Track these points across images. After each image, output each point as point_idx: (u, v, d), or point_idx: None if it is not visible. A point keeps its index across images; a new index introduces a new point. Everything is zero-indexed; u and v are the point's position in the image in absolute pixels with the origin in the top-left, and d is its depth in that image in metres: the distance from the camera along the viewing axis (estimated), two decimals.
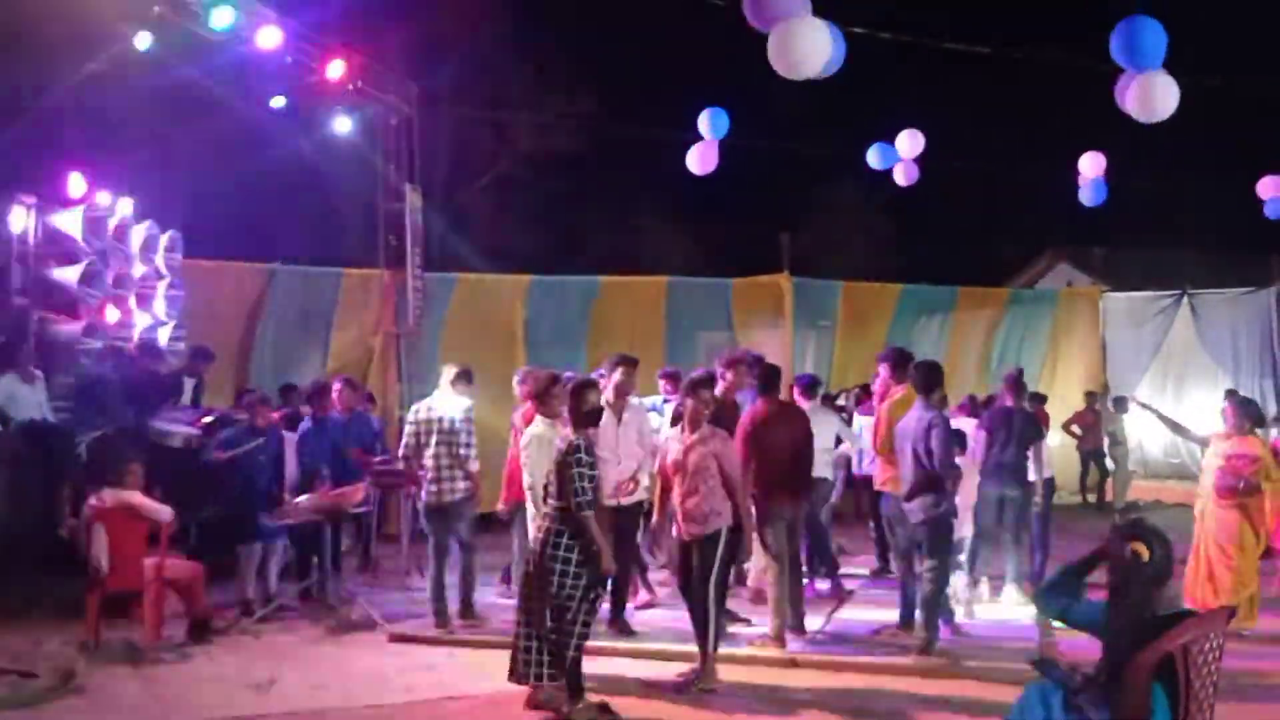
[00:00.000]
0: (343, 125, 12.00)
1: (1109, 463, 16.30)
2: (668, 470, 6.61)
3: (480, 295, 13.99)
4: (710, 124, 10.79)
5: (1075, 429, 16.24)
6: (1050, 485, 9.40)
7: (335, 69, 11.31)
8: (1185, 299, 16.72)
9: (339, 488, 8.31)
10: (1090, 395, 16.36)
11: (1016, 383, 9.33)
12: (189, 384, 10.38)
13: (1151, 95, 8.35)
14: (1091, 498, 16.23)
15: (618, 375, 7.61)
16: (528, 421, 7.63)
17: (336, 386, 9.56)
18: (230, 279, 12.15)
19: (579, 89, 23.73)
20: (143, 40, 9.11)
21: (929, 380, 7.40)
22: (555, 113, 24.28)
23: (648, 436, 7.78)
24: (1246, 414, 8.06)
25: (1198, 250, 20.26)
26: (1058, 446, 16.51)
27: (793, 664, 6.85)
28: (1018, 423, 8.94)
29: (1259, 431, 9.03)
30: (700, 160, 10.72)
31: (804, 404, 8.90)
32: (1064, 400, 16.54)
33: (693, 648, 6.49)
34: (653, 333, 14.34)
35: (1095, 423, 16.11)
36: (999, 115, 23.04)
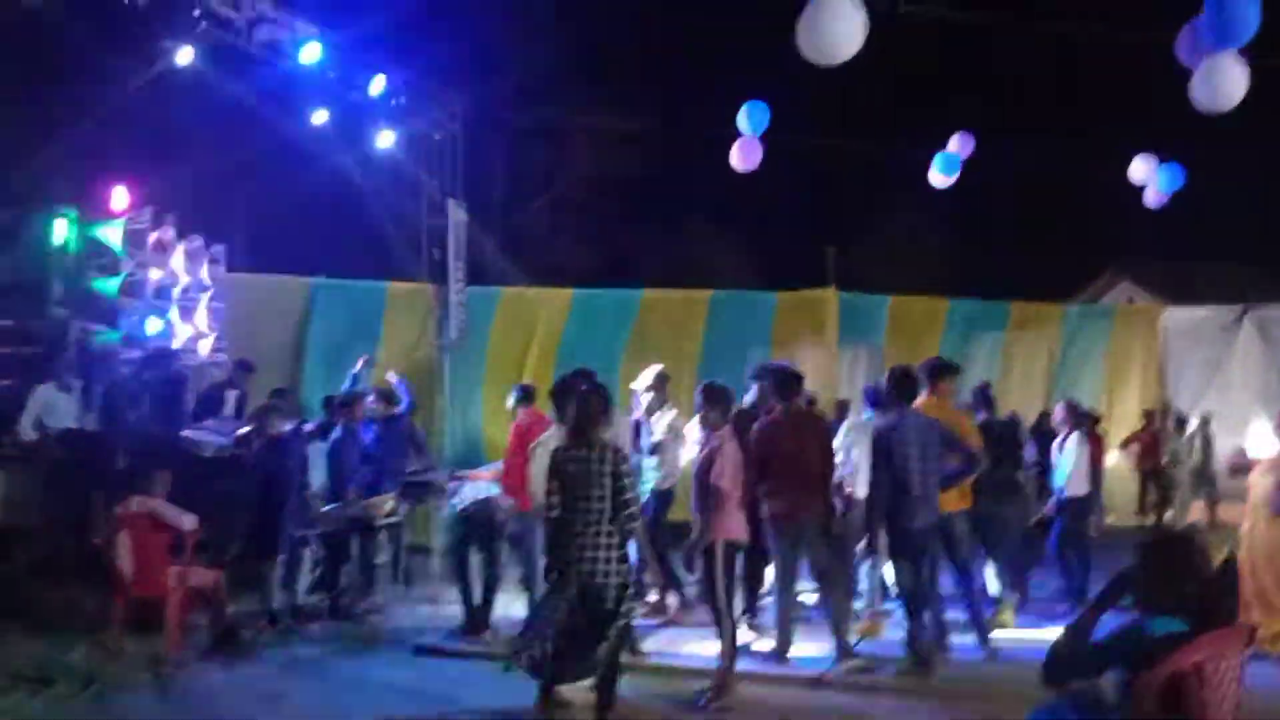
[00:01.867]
0: (386, 140, 12.06)
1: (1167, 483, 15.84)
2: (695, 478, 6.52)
3: (523, 309, 14.00)
4: (749, 118, 10.52)
5: (1133, 448, 15.78)
6: (1076, 504, 9.08)
7: (377, 85, 11.40)
8: (1248, 314, 16.18)
9: (369, 498, 8.29)
10: (1148, 414, 15.88)
11: (983, 395, 9.23)
12: (231, 396, 10.47)
13: (1220, 79, 7.95)
14: (1151, 519, 15.72)
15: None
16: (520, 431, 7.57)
17: (370, 398, 9.58)
18: (272, 292, 12.26)
19: (636, 106, 23.76)
20: (185, 56, 9.23)
21: (899, 391, 7.27)
22: (611, 131, 24.45)
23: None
24: None
25: (1261, 265, 19.65)
26: (1113, 466, 16.15)
27: (818, 683, 6.66)
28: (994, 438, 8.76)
29: None
30: (742, 157, 10.50)
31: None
32: (1123, 420, 16.13)
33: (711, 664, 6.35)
34: (692, 348, 14.22)
35: (1153, 442, 15.63)
36: (1060, 126, 22.58)
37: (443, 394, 13.16)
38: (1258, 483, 7.88)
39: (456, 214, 13.05)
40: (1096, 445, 14.91)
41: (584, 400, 5.94)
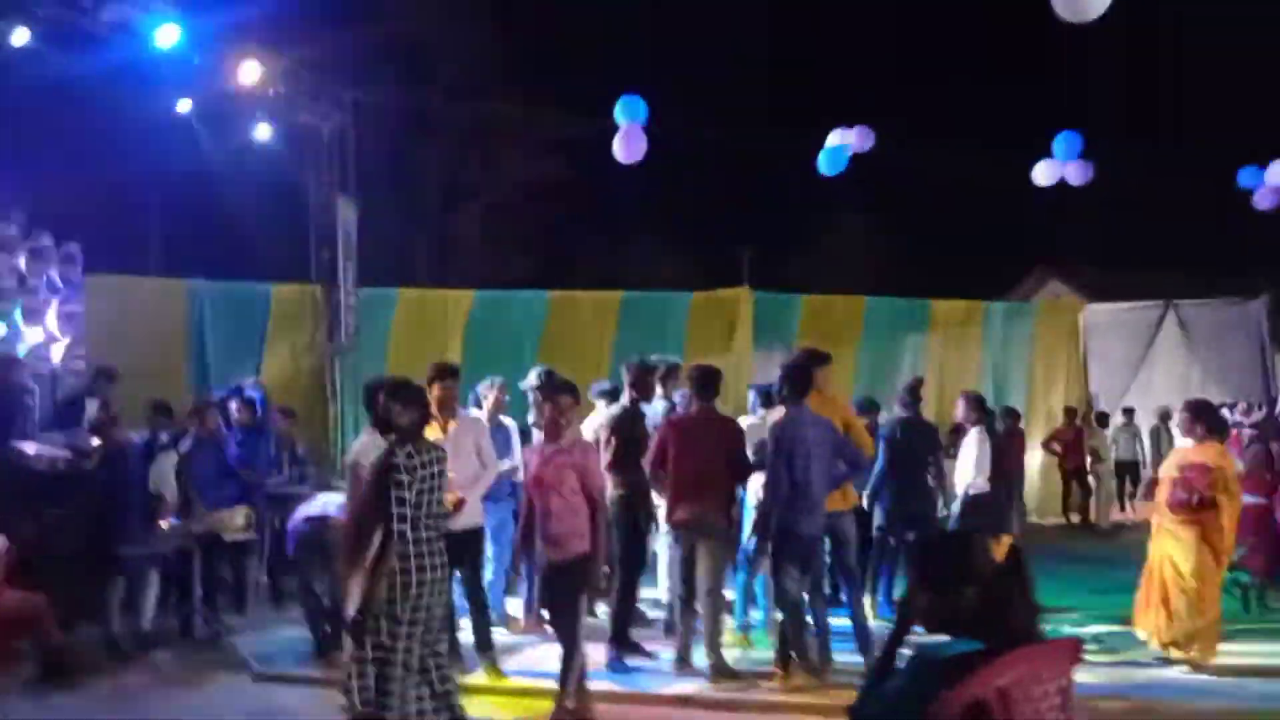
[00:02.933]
0: (263, 133, 11.40)
1: (1091, 480, 15.58)
2: (529, 487, 5.92)
3: (426, 311, 13.39)
4: (624, 109, 9.93)
5: (1055, 446, 15.49)
6: (977, 502, 8.64)
7: (249, 72, 10.74)
8: (1171, 310, 15.99)
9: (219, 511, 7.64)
10: (1070, 411, 15.61)
11: (910, 393, 8.88)
12: (91, 405, 9.74)
13: None
14: (1075, 518, 15.44)
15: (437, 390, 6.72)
16: None
17: (235, 404, 8.94)
18: (144, 295, 11.53)
19: (572, 106, 23.22)
20: (20, 36, 8.53)
21: (794, 387, 6.81)
22: (544, 139, 24.02)
23: (489, 453, 7.00)
24: (1202, 420, 7.32)
25: (1186, 267, 19.54)
26: (1038, 466, 15.86)
27: (685, 702, 6.12)
28: (914, 436, 8.35)
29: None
30: (625, 148, 9.88)
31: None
32: (1049, 417, 15.85)
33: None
34: (603, 350, 13.70)
35: (1076, 440, 15.36)
36: (987, 127, 22.35)
37: (335, 401, 12.52)
38: (1163, 481, 7.51)
39: (346, 212, 12.42)
40: (1018, 443, 14.76)
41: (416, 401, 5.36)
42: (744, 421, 8.25)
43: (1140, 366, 16.04)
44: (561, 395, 5.93)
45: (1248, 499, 8.88)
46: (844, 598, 7.22)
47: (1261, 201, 11.80)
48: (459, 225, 25.38)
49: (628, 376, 7.94)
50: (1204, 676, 6.95)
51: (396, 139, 18.40)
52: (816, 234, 26.45)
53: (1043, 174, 10.95)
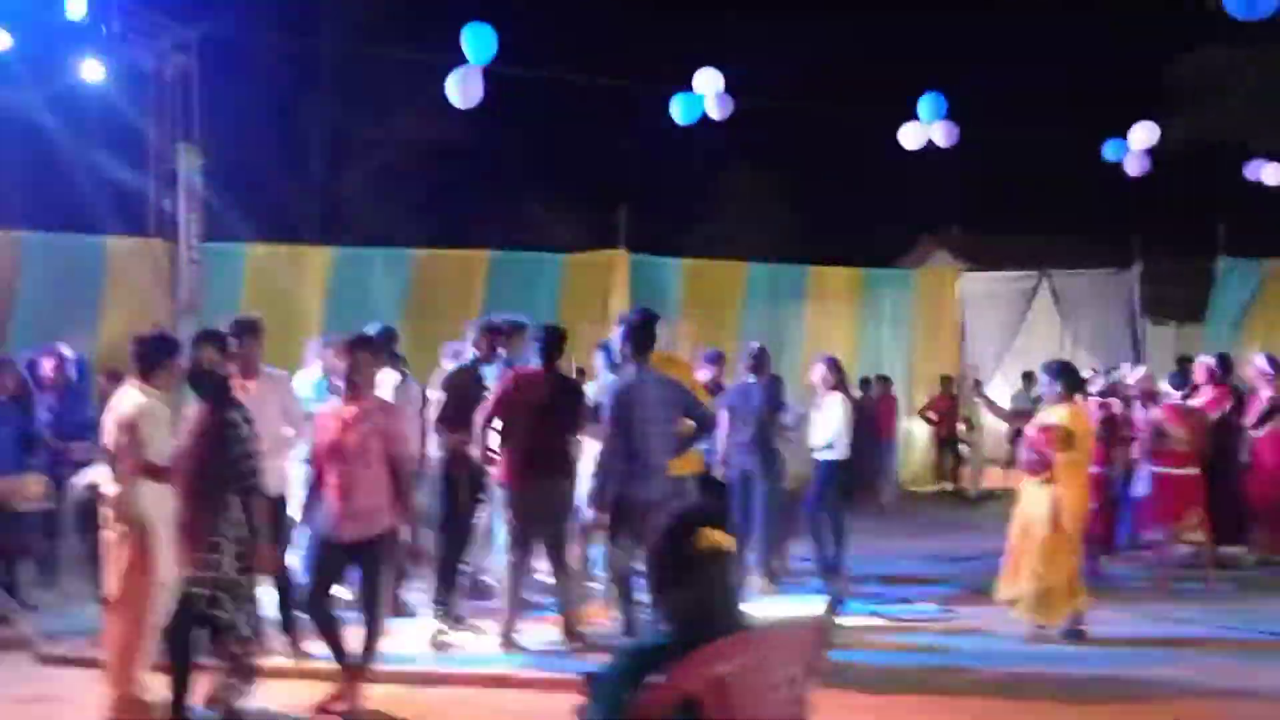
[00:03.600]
0: (93, 72, 10.56)
1: (964, 449, 15.64)
2: (320, 454, 5.42)
3: (281, 270, 12.69)
4: (470, 44, 9.08)
5: (930, 415, 15.49)
6: (834, 468, 8.42)
7: (76, 6, 9.91)
8: (1043, 280, 16.05)
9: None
10: (946, 380, 15.62)
11: (755, 358, 8.56)
12: None
13: None
14: (949, 486, 15.47)
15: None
16: None
17: (49, 364, 8.24)
18: None
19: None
20: None
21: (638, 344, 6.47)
22: (435, 96, 23.17)
23: (295, 415, 6.50)
24: (1060, 380, 7.15)
25: (1066, 235, 19.72)
26: (914, 434, 15.86)
27: (501, 682, 5.73)
28: (755, 398, 8.07)
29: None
30: (463, 92, 9.20)
31: None
32: (928, 385, 15.82)
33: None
34: (470, 311, 13.18)
35: (951, 408, 15.37)
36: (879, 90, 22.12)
37: None
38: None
39: (188, 160, 11.63)
40: (887, 409, 14.70)
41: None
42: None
43: (1015, 335, 16.08)
44: (360, 350, 5.45)
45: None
46: None
47: (1132, 168, 11.79)
48: (341, 181, 24.49)
49: (470, 334, 7.55)
50: (1050, 645, 6.84)
51: (263, 83, 17.38)
52: (703, 198, 26.15)
53: (909, 137, 10.70)
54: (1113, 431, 8.86)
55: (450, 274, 13.40)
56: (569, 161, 24.19)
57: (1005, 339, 16.17)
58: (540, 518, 6.43)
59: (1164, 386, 8.70)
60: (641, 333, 6.53)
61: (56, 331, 11.15)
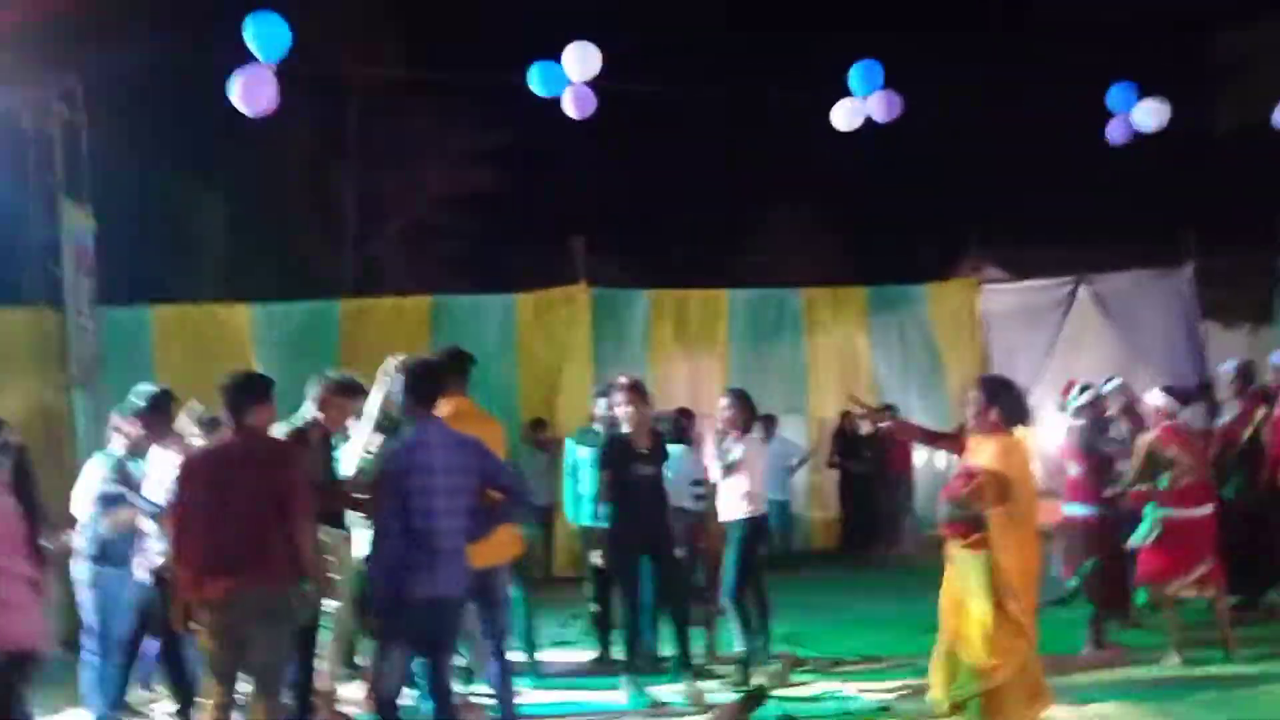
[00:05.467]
0: None
1: None
2: None
3: (192, 330, 11.61)
4: (257, 36, 7.49)
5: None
6: (747, 525, 6.77)
7: None
8: (1081, 287, 14.11)
9: None
10: None
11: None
12: None
13: None
14: None
15: None
16: None
17: None
18: None
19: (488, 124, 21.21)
20: None
21: (419, 393, 4.96)
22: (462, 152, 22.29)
23: None
24: (996, 403, 5.45)
25: (1111, 241, 17.63)
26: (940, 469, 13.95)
27: None
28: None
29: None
30: (246, 97, 7.61)
31: None
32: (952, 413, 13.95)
33: None
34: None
35: None
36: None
37: (73, 441, 10.65)
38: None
39: (74, 219, 10.60)
40: (902, 444, 12.87)
41: None
42: None
43: (1050, 352, 14.11)
44: None
45: (1076, 510, 7.03)
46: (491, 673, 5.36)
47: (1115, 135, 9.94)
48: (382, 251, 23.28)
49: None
50: None
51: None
52: (741, 226, 24.51)
53: (842, 117, 8.95)
54: (1102, 466, 7.08)
55: (386, 323, 12.18)
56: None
57: (1039, 357, 14.20)
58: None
59: (1157, 402, 6.89)
60: (425, 378, 5.05)
61: None
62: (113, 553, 6.12)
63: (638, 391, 6.62)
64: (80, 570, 6.13)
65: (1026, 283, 14.65)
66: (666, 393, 12.87)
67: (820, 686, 6.67)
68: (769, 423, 12.62)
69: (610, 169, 19.14)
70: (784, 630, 8.30)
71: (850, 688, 6.55)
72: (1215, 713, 5.86)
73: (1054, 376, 14.07)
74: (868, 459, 12.64)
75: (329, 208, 17.89)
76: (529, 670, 7.08)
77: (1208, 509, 6.71)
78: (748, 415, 6.95)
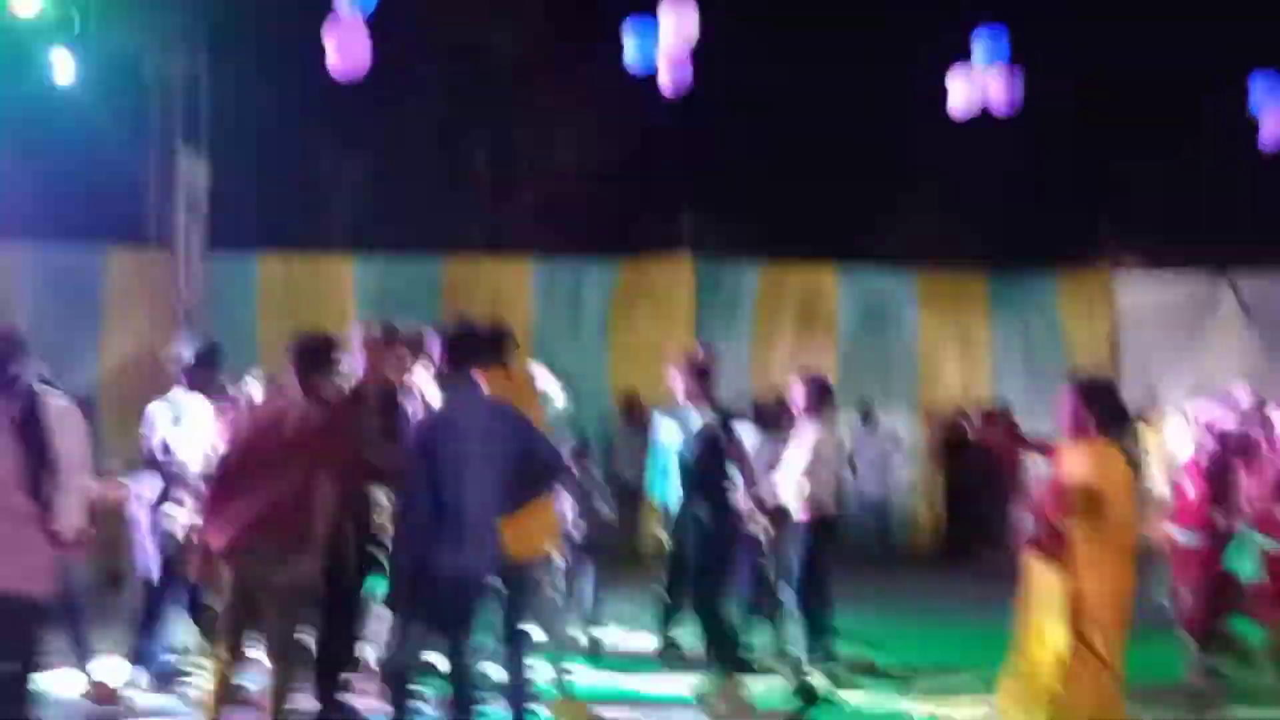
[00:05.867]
0: (64, 71, 9.78)
1: None
2: None
3: (297, 282, 11.67)
4: None
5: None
6: (815, 523, 6.33)
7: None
8: (1226, 283, 13.08)
9: None
10: None
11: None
12: None
13: None
14: None
15: None
16: None
17: None
18: None
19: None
20: None
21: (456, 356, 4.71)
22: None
23: None
24: (1093, 408, 4.93)
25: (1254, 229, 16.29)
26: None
27: None
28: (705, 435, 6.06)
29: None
30: (341, 56, 7.32)
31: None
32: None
33: None
34: (515, 323, 11.80)
35: None
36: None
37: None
38: None
39: (188, 164, 10.79)
40: (1010, 448, 12.14)
41: None
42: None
43: (1185, 353, 13.12)
44: None
45: (1183, 537, 6.40)
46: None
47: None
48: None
49: None
50: None
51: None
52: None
53: (959, 94, 8.07)
54: (1225, 475, 6.41)
55: (486, 285, 12.05)
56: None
57: (1174, 357, 13.23)
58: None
59: None
60: (462, 348, 4.81)
61: (58, 351, 10.58)
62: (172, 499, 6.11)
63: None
64: (141, 514, 6.13)
65: (1165, 272, 13.63)
66: (772, 374, 12.54)
67: (884, 697, 6.24)
68: (867, 413, 12.15)
69: (740, 143, 18.48)
70: (863, 633, 7.99)
71: (920, 707, 6.10)
72: None
73: (1181, 380, 13.21)
74: (976, 458, 11.96)
75: (460, 171, 17.77)
76: (590, 651, 6.87)
77: None
78: (815, 403, 6.44)
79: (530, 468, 4.77)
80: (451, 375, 4.76)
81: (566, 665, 5.83)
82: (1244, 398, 6.85)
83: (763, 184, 16.35)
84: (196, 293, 10.84)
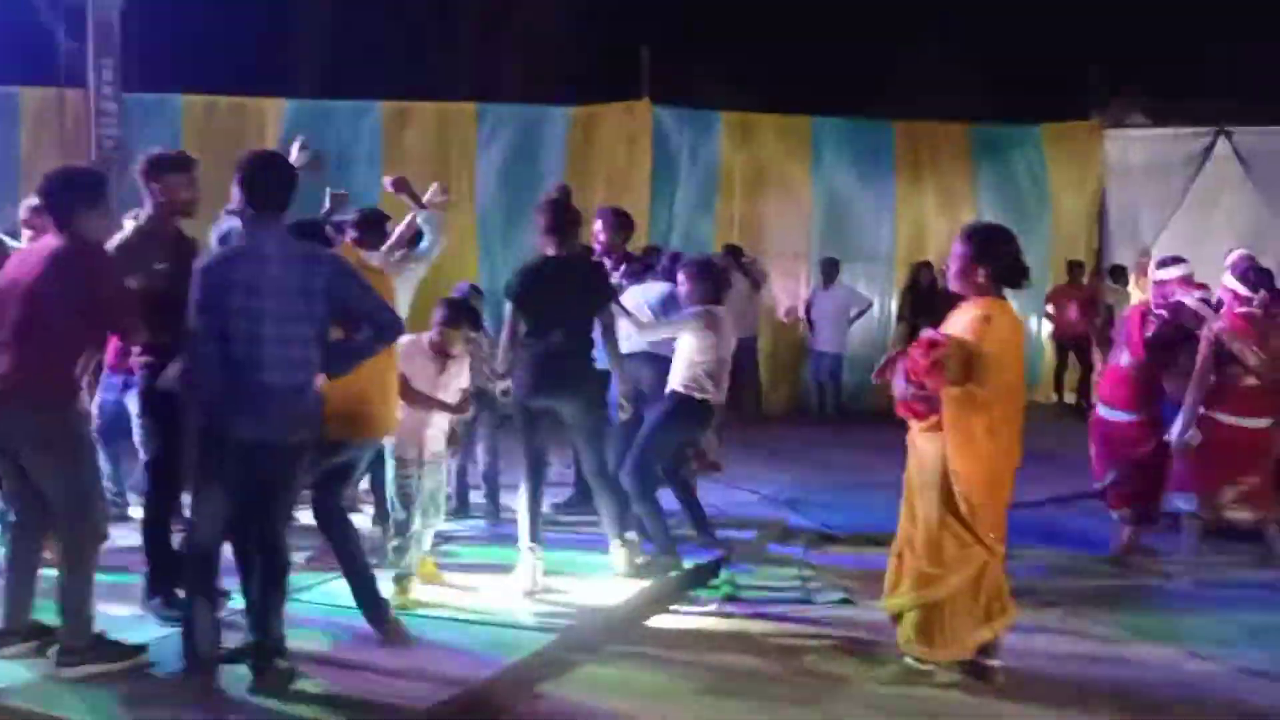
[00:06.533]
0: None
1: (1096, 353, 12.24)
2: None
3: (219, 124, 10.97)
4: None
5: (1048, 308, 12.22)
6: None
7: None
8: (1221, 139, 12.20)
9: None
10: (1075, 266, 12.28)
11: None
12: None
13: None
14: (1071, 397, 12.16)
15: None
16: None
17: None
18: None
19: None
20: None
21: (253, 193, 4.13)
22: None
23: None
24: (982, 260, 4.36)
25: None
26: (1035, 334, 12.55)
27: None
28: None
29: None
30: None
31: None
32: (1055, 273, 12.46)
33: None
34: (459, 168, 11.20)
35: (1085, 303, 12.00)
36: None
37: None
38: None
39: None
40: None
41: None
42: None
43: (1175, 209, 12.37)
44: None
45: (1112, 415, 5.86)
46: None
47: None
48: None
49: None
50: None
51: None
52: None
53: None
54: (1170, 344, 5.83)
55: (429, 129, 11.35)
56: None
57: (1164, 215, 12.48)
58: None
59: (1230, 285, 5.52)
60: (262, 177, 4.16)
61: None
62: None
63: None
64: None
65: (1158, 130, 12.79)
66: (738, 229, 11.89)
67: (791, 567, 5.84)
68: (829, 268, 11.55)
69: None
70: (788, 495, 7.61)
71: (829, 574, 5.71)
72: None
73: (1178, 238, 12.46)
74: (942, 315, 11.38)
75: (403, 11, 16.61)
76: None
77: (1263, 422, 5.48)
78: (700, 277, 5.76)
79: (354, 325, 4.21)
80: (252, 213, 4.14)
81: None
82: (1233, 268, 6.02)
83: (731, 35, 15.31)
84: (112, 132, 10.23)
